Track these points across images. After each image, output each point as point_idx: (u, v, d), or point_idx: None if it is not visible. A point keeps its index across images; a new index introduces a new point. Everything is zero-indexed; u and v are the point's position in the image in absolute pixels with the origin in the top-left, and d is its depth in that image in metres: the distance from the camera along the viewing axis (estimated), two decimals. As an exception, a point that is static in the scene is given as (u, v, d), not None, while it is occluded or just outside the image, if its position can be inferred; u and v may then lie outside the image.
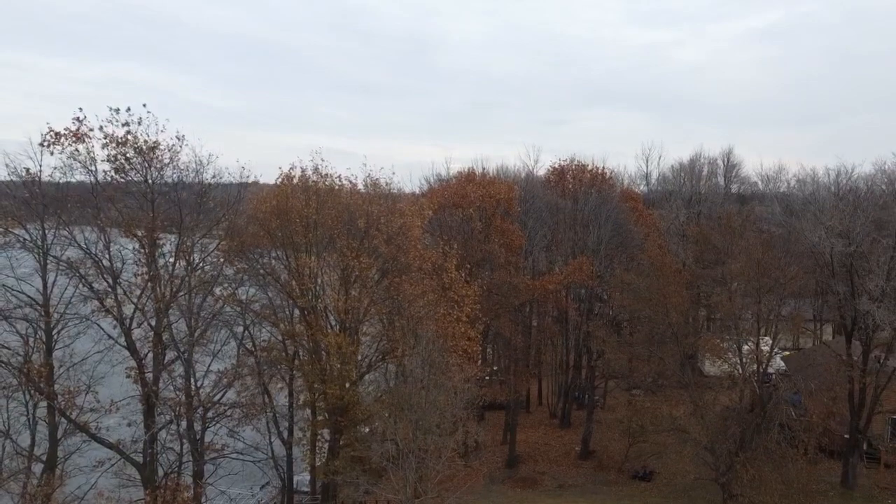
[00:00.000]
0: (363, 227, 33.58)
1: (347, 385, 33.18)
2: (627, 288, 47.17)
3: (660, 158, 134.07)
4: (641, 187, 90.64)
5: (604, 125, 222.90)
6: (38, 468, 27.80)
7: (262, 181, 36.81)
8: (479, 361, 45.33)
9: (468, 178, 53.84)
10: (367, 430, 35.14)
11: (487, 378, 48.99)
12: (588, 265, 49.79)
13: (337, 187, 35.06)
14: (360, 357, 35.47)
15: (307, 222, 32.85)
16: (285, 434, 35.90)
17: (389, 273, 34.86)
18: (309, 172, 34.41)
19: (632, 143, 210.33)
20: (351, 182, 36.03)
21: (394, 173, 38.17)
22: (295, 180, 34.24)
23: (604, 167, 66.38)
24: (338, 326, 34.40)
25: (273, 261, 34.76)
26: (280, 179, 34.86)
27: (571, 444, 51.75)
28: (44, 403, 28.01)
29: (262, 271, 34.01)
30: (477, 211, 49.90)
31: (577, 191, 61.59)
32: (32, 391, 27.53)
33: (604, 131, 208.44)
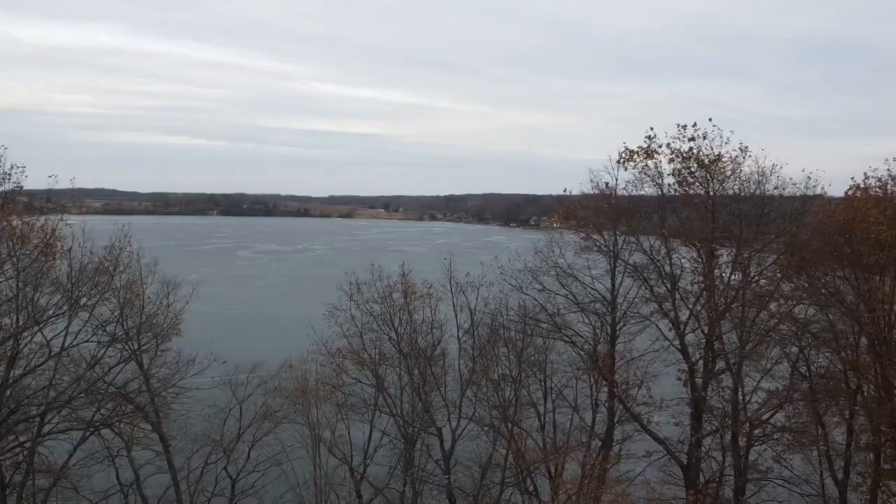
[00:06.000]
0: (959, 248, 27.83)
1: (926, 435, 27.96)
2: None
3: None
4: None
5: None
6: (595, 445, 31.66)
7: (829, 193, 34.09)
8: None
9: None
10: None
11: None
12: None
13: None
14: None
15: (879, 240, 28.95)
16: (839, 474, 32.25)
17: None
18: (889, 184, 30.28)
19: None
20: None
21: None
22: (868, 192, 30.57)
23: None
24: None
25: (837, 280, 31.76)
26: (850, 191, 31.66)
27: None
28: (605, 389, 31.82)
29: (823, 291, 31.43)
30: None
31: None
32: (597, 376, 31.59)
33: None
